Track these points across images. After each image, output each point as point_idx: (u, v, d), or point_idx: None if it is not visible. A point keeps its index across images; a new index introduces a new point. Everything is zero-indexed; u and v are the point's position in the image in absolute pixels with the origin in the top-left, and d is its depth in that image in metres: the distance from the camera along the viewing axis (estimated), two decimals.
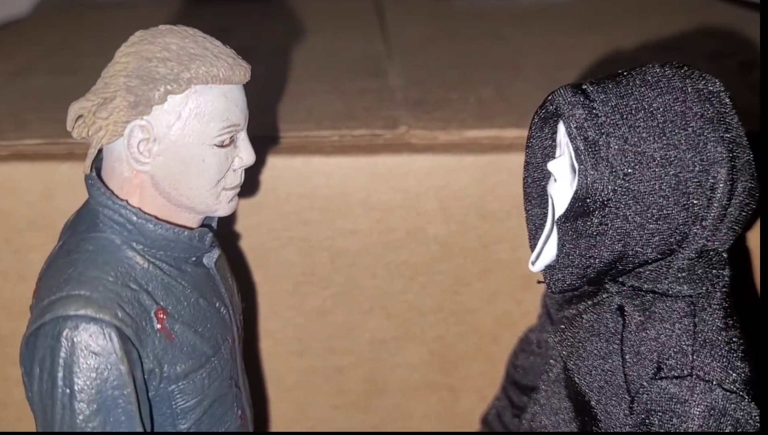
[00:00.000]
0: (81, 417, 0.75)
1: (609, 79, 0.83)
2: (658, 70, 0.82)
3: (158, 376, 0.80)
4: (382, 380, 1.22)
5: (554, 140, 0.89)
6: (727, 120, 0.80)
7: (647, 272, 0.84)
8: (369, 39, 1.49)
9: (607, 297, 0.88)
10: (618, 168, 0.79)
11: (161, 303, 0.81)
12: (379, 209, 1.13)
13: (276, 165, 1.11)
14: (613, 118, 0.79)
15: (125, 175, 0.81)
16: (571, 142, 0.80)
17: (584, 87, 0.82)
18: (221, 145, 0.80)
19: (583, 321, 0.89)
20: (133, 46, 0.78)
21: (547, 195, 0.90)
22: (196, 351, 0.83)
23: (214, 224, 0.89)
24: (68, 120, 0.78)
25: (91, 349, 0.75)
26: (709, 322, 0.82)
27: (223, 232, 1.11)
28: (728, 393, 0.79)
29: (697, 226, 0.80)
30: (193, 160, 0.79)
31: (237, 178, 0.84)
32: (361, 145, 1.13)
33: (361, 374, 1.22)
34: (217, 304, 0.87)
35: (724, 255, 0.84)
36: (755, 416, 0.79)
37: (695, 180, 0.79)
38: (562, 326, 0.92)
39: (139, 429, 0.77)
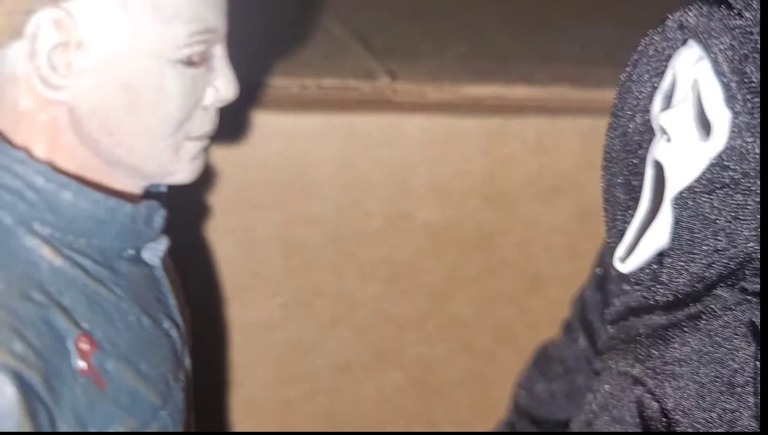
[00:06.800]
0: None
1: None
2: None
3: None
4: (343, 414, 0.97)
5: (657, 83, 0.64)
6: None
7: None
8: None
9: (721, 308, 0.63)
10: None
11: (84, 325, 0.49)
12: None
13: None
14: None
15: (24, 108, 0.49)
16: (720, 79, 0.55)
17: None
18: (189, 63, 0.49)
19: (686, 338, 0.64)
20: None
21: (639, 160, 0.65)
22: (138, 403, 0.51)
23: (163, 195, 0.57)
24: None
25: None
26: None
27: None
28: None
29: None
30: (144, 84, 0.49)
31: (207, 123, 0.53)
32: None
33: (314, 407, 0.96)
34: (165, 324, 0.56)
35: None
36: None
37: None
38: (643, 340, 0.67)
39: None
